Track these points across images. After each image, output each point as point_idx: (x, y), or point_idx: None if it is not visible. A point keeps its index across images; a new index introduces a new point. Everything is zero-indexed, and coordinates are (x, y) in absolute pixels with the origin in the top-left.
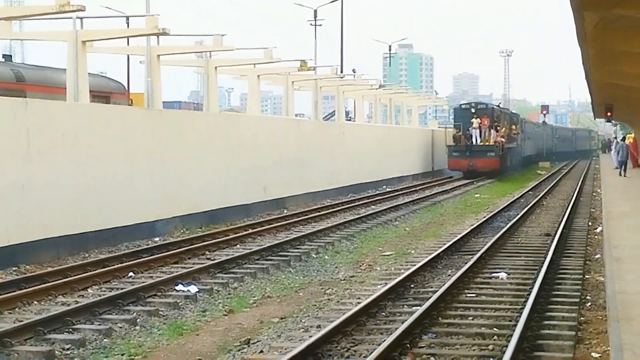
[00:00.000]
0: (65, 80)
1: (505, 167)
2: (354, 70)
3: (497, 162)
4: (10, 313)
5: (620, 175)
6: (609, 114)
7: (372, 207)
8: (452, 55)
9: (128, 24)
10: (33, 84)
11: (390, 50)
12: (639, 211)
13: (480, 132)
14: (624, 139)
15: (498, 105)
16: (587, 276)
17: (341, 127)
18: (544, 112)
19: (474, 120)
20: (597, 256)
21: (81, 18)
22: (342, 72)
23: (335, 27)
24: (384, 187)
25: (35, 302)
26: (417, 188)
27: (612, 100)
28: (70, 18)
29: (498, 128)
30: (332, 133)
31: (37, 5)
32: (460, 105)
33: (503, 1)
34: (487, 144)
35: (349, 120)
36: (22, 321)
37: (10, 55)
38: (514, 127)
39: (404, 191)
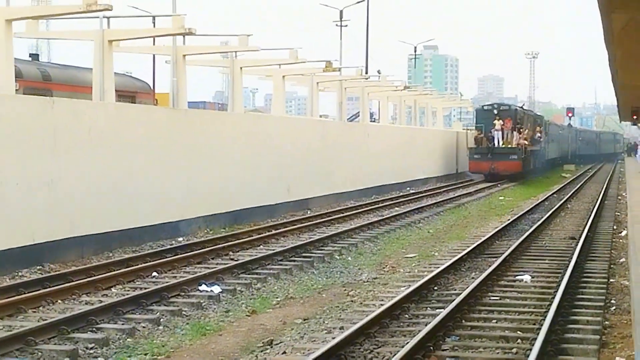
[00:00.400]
0: (92, 80)
1: (528, 170)
2: (379, 72)
3: (519, 165)
4: (34, 312)
5: None
6: (635, 117)
7: (396, 208)
8: (477, 56)
9: (154, 23)
10: (59, 83)
11: (415, 51)
12: None
13: (503, 134)
14: None
15: (521, 107)
16: (611, 280)
17: (365, 128)
18: (569, 114)
19: (496, 122)
20: (621, 260)
21: (108, 17)
22: (367, 73)
23: (360, 28)
24: (408, 188)
25: (59, 301)
26: (441, 190)
27: (639, 103)
28: (97, 17)
29: (521, 130)
30: (357, 134)
31: (64, 5)
32: (483, 106)
33: (528, 2)
34: (509, 146)
35: (373, 121)
36: (46, 320)
37: (37, 55)
38: (537, 129)
39: (428, 193)
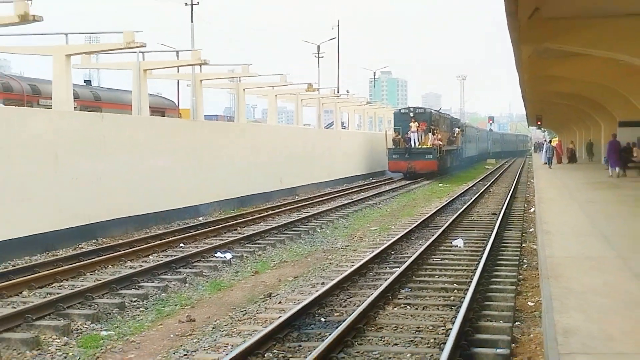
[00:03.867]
0: (131, 99)
1: (444, 168)
2: (347, 91)
3: (435, 164)
4: (91, 274)
5: (550, 167)
6: (539, 123)
7: (362, 194)
8: (421, 79)
9: (178, 56)
10: (107, 102)
11: (374, 75)
12: (562, 196)
13: (418, 135)
14: (550, 141)
15: (437, 111)
16: (523, 245)
17: (338, 133)
18: (490, 121)
19: (412, 124)
20: (531, 230)
21: (143, 52)
22: (338, 92)
23: (333, 58)
24: (371, 178)
25: (110, 266)
26: (395, 179)
27: (542, 112)
28: (134, 52)
29: (436, 131)
30: (331, 138)
31: (110, 43)
32: (400, 110)
33: (461, 36)
34: (425, 146)
35: (344, 128)
36: (100, 280)
37: (90, 81)
38: (455, 131)
39: (386, 181)
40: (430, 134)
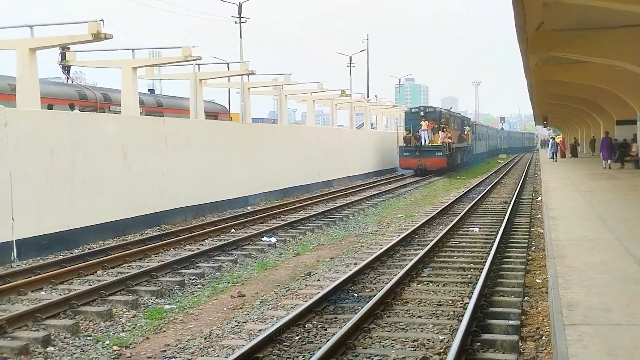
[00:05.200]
0: (189, 105)
1: (454, 165)
2: (375, 96)
3: (444, 161)
4: (155, 256)
5: (555, 161)
6: (545, 122)
7: (389, 185)
8: (440, 84)
9: (229, 67)
10: (168, 108)
11: (399, 82)
12: (565, 186)
13: (429, 133)
14: (554, 138)
15: (447, 110)
16: (532, 229)
17: (367, 132)
18: (502, 121)
19: (422, 122)
20: (538, 216)
21: (198, 64)
22: (368, 97)
23: (363, 67)
24: (396, 172)
25: (172, 249)
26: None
27: (547, 113)
28: (191, 64)
29: (446, 130)
30: (362, 136)
31: (170, 56)
32: (411, 109)
33: (477, 47)
34: (435, 144)
35: (373, 129)
36: (163, 261)
37: (153, 89)
38: (465, 129)
39: (410, 174)
40: (440, 132)
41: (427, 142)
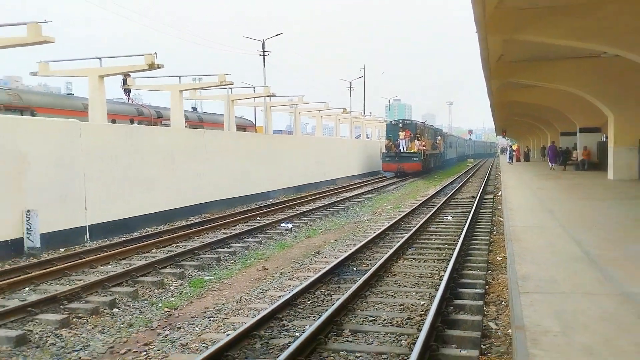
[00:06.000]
0: (223, 120)
1: (428, 168)
2: (370, 113)
3: (419, 165)
4: (197, 238)
5: (511, 164)
6: (504, 133)
7: (381, 183)
8: (421, 103)
9: (254, 90)
10: (207, 122)
11: (389, 102)
12: (520, 184)
13: (406, 142)
14: (511, 146)
15: (422, 122)
16: (494, 218)
17: (368, 141)
18: (470, 133)
19: (401, 133)
20: (499, 207)
21: (231, 88)
22: (364, 114)
23: (360, 89)
24: (380, 174)
25: (210, 233)
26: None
27: (506, 126)
28: (225, 88)
29: (421, 139)
30: (359, 144)
31: (208, 82)
32: (391, 121)
33: (452, 70)
34: (411, 151)
35: (368, 138)
36: (203, 242)
37: (195, 108)
38: (438, 138)
39: (391, 176)
40: (416, 141)
41: (405, 149)
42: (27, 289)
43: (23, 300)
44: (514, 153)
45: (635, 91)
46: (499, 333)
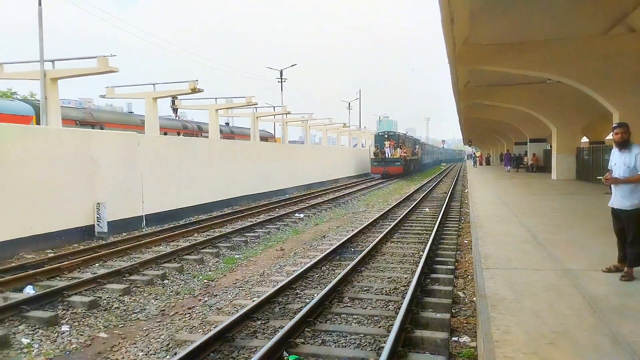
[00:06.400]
0: (250, 133)
1: (409, 171)
2: (365, 127)
3: (401, 169)
4: (229, 225)
5: (475, 168)
6: (470, 143)
7: (373, 182)
8: (405, 118)
9: (274, 109)
10: (237, 134)
11: (379, 119)
12: (483, 182)
13: (391, 149)
14: (475, 154)
15: (404, 133)
16: (462, 209)
17: (361, 149)
18: (443, 142)
19: (386, 142)
20: (466, 201)
21: (256, 107)
22: (360, 128)
23: (357, 108)
24: (369, 176)
25: (239, 221)
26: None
27: (471, 137)
28: (251, 107)
29: (402, 147)
30: (356, 151)
31: (238, 102)
32: (379, 133)
33: (428, 93)
34: (395, 157)
35: (363, 147)
36: (234, 228)
37: (228, 123)
38: (416, 147)
39: (378, 177)
40: (399, 149)
41: (389, 155)
42: (97, 264)
43: (94, 274)
44: (477, 158)
45: (574, 110)
46: (466, 300)
